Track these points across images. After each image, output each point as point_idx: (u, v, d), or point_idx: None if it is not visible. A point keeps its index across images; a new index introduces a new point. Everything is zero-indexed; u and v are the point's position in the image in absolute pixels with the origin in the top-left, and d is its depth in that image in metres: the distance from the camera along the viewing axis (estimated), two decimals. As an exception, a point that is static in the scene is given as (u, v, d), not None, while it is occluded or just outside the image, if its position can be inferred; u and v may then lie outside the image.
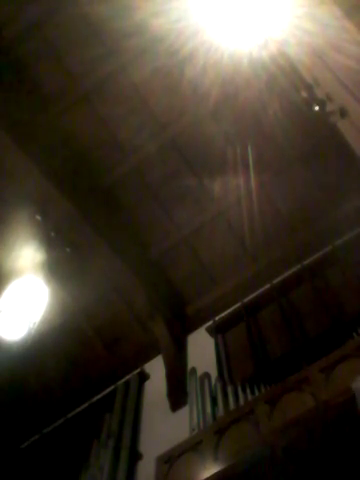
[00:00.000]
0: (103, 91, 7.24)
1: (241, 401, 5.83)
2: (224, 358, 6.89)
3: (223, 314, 7.61)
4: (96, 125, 7.46)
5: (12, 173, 6.96)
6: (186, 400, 6.60)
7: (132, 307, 8.05)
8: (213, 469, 4.81)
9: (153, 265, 8.06)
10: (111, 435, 6.56)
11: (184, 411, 6.41)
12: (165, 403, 6.76)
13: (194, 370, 6.91)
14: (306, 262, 7.35)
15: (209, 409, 5.94)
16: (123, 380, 7.70)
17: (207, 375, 6.61)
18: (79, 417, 7.72)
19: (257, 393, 5.82)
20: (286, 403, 5.06)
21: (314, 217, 7.62)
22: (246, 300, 7.51)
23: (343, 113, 4.48)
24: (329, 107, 4.59)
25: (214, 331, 7.44)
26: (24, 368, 8.17)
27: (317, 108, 4.70)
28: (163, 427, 6.42)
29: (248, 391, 5.95)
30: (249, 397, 5.83)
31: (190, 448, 5.24)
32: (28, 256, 6.98)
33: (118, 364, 8.04)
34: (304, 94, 4.90)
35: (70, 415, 7.82)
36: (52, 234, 6.99)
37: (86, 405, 7.77)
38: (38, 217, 6.96)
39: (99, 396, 7.80)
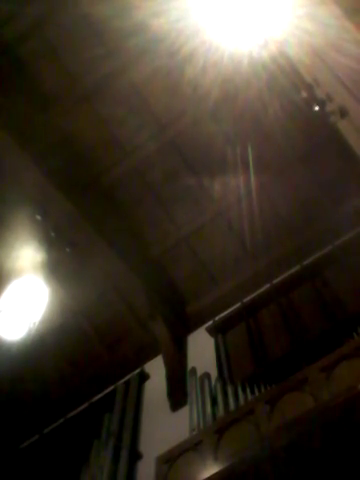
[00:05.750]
0: (103, 91, 7.23)
1: (241, 401, 5.83)
2: (224, 358, 6.89)
3: (223, 314, 7.62)
4: (96, 125, 7.45)
5: (12, 173, 6.96)
6: (186, 400, 6.60)
7: (132, 307, 8.05)
8: (213, 469, 4.80)
9: (153, 265, 8.06)
10: (111, 435, 6.56)
11: (184, 411, 6.40)
12: (165, 403, 6.76)
13: (194, 370, 6.90)
14: (306, 262, 7.35)
15: (209, 409, 5.94)
16: (123, 380, 7.70)
17: (207, 375, 6.61)
18: (79, 417, 7.71)
19: (257, 393, 5.82)
20: (286, 403, 5.05)
21: (314, 217, 7.62)
22: (246, 300, 7.52)
23: (343, 113, 4.49)
24: (329, 107, 4.59)
25: (214, 331, 7.44)
26: (24, 368, 8.17)
27: (317, 108, 4.71)
28: (163, 427, 6.41)
29: (248, 391, 5.94)
30: (249, 397, 5.83)
31: (190, 448, 5.23)
32: (28, 256, 6.97)
33: (118, 364, 8.03)
34: (304, 94, 4.91)
35: (70, 415, 7.82)
36: (52, 234, 6.99)
37: (86, 405, 7.77)
38: (38, 217, 6.96)
39: (99, 396, 7.80)
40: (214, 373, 6.64)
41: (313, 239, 7.49)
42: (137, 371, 7.67)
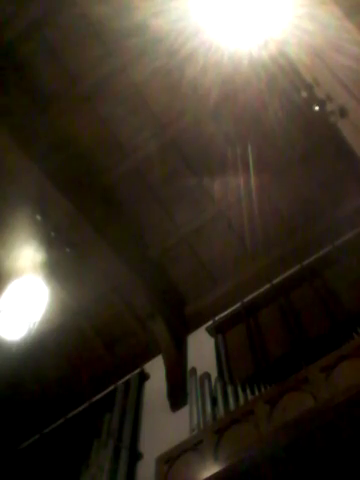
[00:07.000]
0: (103, 91, 7.23)
1: (241, 401, 5.83)
2: (224, 358, 6.88)
3: (223, 314, 7.62)
4: (96, 125, 7.45)
5: (12, 173, 6.96)
6: (186, 400, 6.60)
7: (132, 307, 8.05)
8: (213, 469, 4.80)
9: (153, 265, 8.06)
10: (111, 435, 6.56)
11: (184, 411, 6.40)
12: (165, 403, 6.76)
13: (194, 370, 6.90)
14: (306, 262, 7.35)
15: (209, 409, 5.94)
16: (123, 380, 7.70)
17: (207, 375, 6.61)
18: (79, 417, 7.71)
19: (257, 393, 5.82)
20: (286, 403, 5.05)
21: (314, 217, 7.62)
22: (246, 300, 7.52)
23: (343, 113, 4.49)
24: (329, 107, 4.59)
25: (214, 331, 7.44)
26: (24, 368, 8.18)
27: (317, 108, 4.71)
28: (163, 427, 6.42)
29: (248, 391, 5.95)
30: (249, 397, 5.83)
31: (190, 448, 5.23)
32: (28, 256, 6.98)
33: (118, 364, 8.04)
34: (304, 94, 4.91)
35: (70, 415, 7.82)
36: (52, 234, 6.99)
37: (86, 405, 7.77)
38: (38, 217, 6.96)
39: (99, 396, 7.80)
40: (214, 373, 6.64)
41: (313, 239, 7.49)
42: (137, 371, 7.67)
